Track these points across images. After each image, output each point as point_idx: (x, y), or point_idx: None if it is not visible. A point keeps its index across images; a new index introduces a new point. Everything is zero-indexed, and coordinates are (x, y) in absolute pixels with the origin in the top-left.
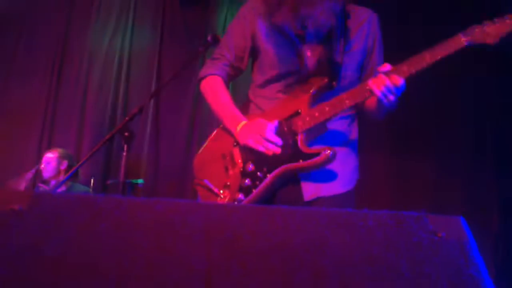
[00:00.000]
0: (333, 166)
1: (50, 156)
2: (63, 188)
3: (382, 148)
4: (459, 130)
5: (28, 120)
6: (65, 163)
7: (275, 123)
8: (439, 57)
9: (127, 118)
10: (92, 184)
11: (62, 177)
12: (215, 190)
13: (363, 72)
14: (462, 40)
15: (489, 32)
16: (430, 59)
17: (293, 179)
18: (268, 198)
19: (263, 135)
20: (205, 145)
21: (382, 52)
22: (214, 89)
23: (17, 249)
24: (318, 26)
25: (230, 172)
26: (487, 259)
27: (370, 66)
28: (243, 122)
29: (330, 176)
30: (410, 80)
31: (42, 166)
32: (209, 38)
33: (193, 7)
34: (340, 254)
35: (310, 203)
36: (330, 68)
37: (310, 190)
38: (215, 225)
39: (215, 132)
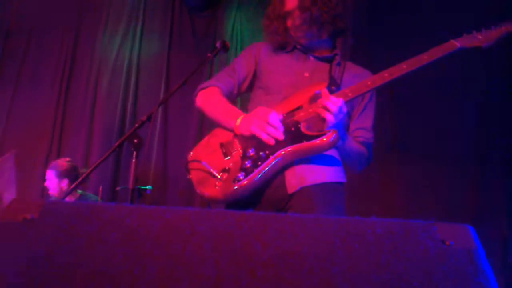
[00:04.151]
0: (318, 162)
1: (50, 173)
2: (72, 199)
3: (393, 156)
4: (467, 136)
5: (37, 127)
6: (65, 182)
7: (279, 113)
8: (435, 57)
9: (136, 125)
10: (100, 192)
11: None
12: (214, 172)
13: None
14: (455, 43)
15: (479, 38)
16: (428, 59)
17: (281, 179)
18: (267, 182)
19: (267, 120)
20: (200, 141)
21: (373, 108)
22: (211, 95)
23: (29, 257)
24: (320, 54)
25: (229, 158)
26: (496, 266)
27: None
28: (242, 116)
29: (314, 169)
30: (419, 87)
31: (46, 183)
32: (218, 44)
33: (201, 14)
34: (349, 262)
35: (294, 195)
36: (330, 80)
37: (293, 183)
38: (224, 233)
39: (212, 131)
